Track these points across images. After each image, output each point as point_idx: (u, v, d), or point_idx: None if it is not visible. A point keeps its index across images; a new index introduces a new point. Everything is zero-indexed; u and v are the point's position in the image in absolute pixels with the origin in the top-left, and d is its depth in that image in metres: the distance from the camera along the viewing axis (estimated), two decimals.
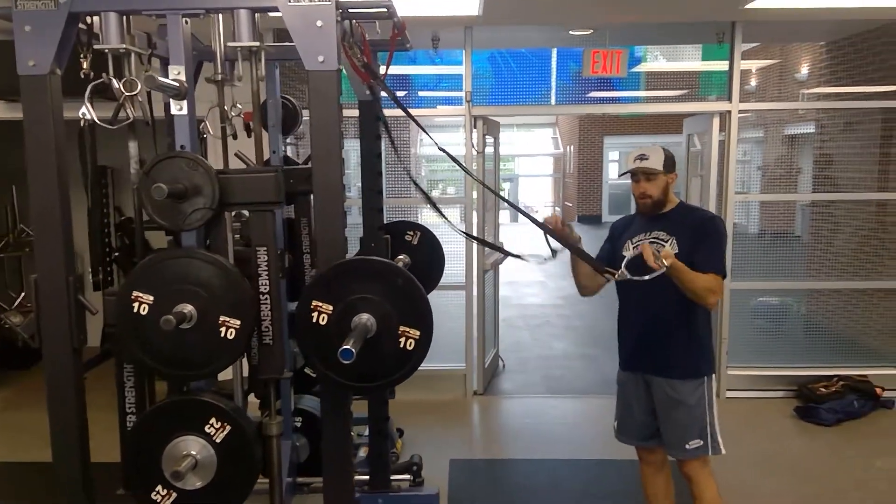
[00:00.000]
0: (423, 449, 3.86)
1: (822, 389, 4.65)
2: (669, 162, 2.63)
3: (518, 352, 6.28)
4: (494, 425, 4.68)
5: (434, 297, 5.68)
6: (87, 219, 2.26)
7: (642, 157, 2.63)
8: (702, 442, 2.56)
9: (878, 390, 4.64)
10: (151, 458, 1.92)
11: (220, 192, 1.90)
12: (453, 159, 2.66)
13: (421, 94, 6.90)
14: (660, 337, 2.60)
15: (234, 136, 2.45)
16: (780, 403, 4.70)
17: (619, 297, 2.77)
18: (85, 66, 2.07)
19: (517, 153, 23.41)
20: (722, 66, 4.78)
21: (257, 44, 1.91)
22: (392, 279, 1.85)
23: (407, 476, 3.28)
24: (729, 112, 4.68)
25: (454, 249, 4.98)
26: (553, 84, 6.99)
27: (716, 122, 4.76)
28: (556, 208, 20.54)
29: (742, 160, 6.46)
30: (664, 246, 2.54)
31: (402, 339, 1.84)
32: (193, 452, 1.91)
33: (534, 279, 10.22)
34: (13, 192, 5.89)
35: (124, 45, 1.93)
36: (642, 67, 6.02)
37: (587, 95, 5.87)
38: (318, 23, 1.84)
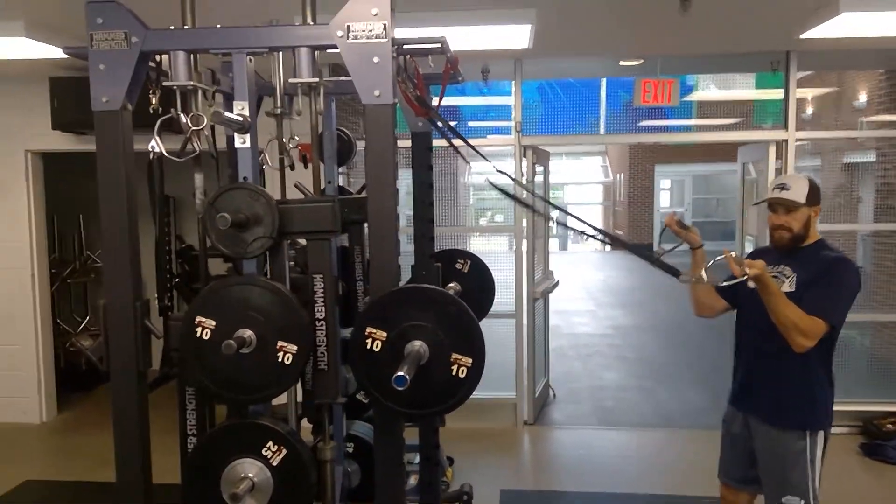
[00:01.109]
0: (473, 478, 3.84)
1: (890, 426, 4.46)
2: (814, 193, 2.43)
3: (569, 382, 6.22)
4: (545, 456, 4.62)
5: (484, 326, 5.66)
6: (155, 247, 2.36)
7: (783, 187, 2.44)
8: (801, 501, 2.39)
9: None
10: (210, 479, 1.97)
11: (279, 222, 1.97)
12: (523, 187, 2.64)
13: (470, 124, 7.00)
14: (765, 379, 2.46)
15: (292, 167, 2.54)
16: (844, 440, 4.53)
17: (736, 329, 2.65)
18: (154, 101, 2.19)
19: (566, 181, 23.37)
20: (776, 94, 4.72)
21: (317, 80, 1.98)
22: (445, 307, 1.88)
23: None
24: (786, 141, 4.60)
25: (504, 277, 5.00)
26: (602, 113, 7.01)
27: (772, 150, 4.69)
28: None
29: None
30: (783, 282, 2.40)
31: (455, 367, 1.86)
32: (251, 475, 1.96)
33: (584, 308, 10.12)
34: (80, 220, 6.16)
35: (192, 83, 2.03)
36: (694, 96, 5.99)
37: (638, 124, 5.86)
38: (375, 59, 1.90)
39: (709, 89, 6.72)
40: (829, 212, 5.79)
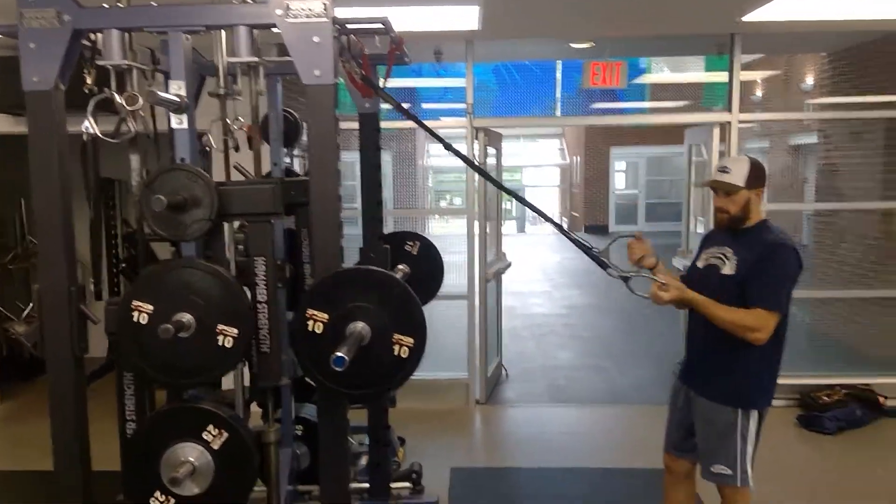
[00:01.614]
0: (425, 457, 3.88)
1: (825, 398, 4.64)
2: (755, 176, 2.44)
3: (522, 362, 6.30)
4: (496, 434, 4.69)
5: (436, 307, 5.71)
6: (90, 231, 2.31)
7: (724, 170, 2.48)
8: (730, 471, 2.46)
9: (881, 399, 4.63)
10: (150, 464, 1.95)
11: (219, 204, 1.94)
12: (474, 167, 2.66)
13: (426, 106, 6.97)
14: (706, 355, 2.52)
15: (237, 149, 2.50)
16: (782, 412, 4.69)
17: (688, 311, 2.69)
18: (89, 81, 2.13)
19: (523, 164, 23.49)
20: (724, 77, 4.80)
21: (256, 59, 1.96)
22: (386, 288, 1.89)
23: (407, 484, 3.30)
24: (729, 123, 4.70)
25: (456, 259, 5.02)
26: (558, 96, 7.05)
27: (716, 132, 4.79)
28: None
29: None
30: (725, 263, 2.46)
31: (397, 347, 1.87)
32: (191, 459, 1.95)
33: (540, 289, 10.23)
34: (21, 205, 5.97)
35: (126, 61, 1.98)
36: (645, 79, 6.07)
37: (592, 107, 5.92)
38: (315, 38, 1.88)
39: (662, 72, 6.81)
40: (776, 192, 5.96)
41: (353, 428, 3.76)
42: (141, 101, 1.99)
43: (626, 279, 2.43)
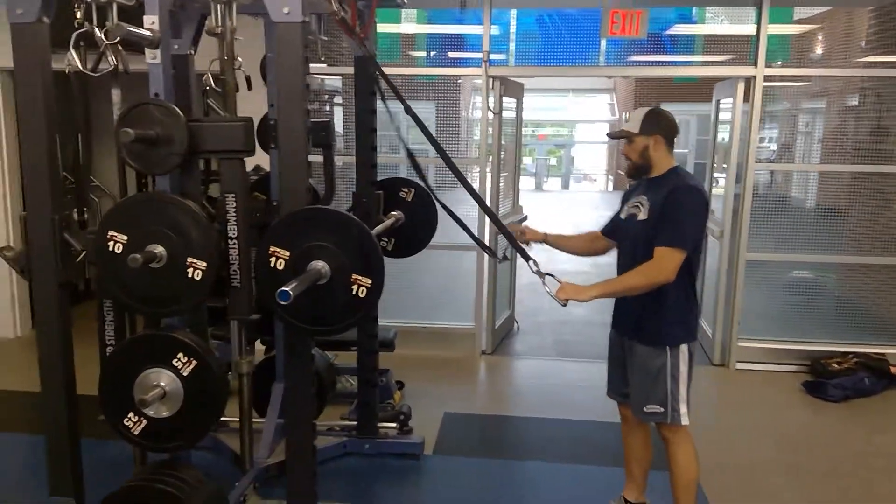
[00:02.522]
0: (422, 402, 3.97)
1: (835, 365, 4.56)
2: (650, 123, 2.53)
3: (535, 315, 6.31)
4: (498, 384, 4.75)
5: (449, 257, 5.67)
6: (71, 163, 2.38)
7: (627, 121, 2.61)
8: (661, 409, 2.54)
9: (893, 369, 4.53)
10: (124, 387, 2.06)
11: (190, 140, 1.99)
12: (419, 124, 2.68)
13: (452, 55, 6.86)
14: (630, 302, 2.59)
15: (237, 90, 2.53)
16: (790, 377, 4.64)
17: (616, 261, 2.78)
18: (78, 15, 2.17)
19: (574, 118, 23.12)
20: (780, 29, 4.58)
21: None
22: (347, 230, 1.92)
23: (394, 424, 3.39)
24: (754, 77, 4.54)
25: (471, 212, 5.02)
26: (602, 46, 6.77)
27: (741, 87, 4.63)
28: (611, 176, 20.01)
29: (803, 131, 6.27)
30: (641, 210, 2.54)
31: (355, 287, 1.92)
32: (163, 384, 2.04)
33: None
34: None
35: None
36: (675, 30, 5.85)
37: (628, 59, 5.73)
38: None
39: (712, 23, 6.51)
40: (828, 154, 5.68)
41: (352, 369, 3.88)
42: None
43: (541, 275, 2.60)
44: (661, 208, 2.45)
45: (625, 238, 2.64)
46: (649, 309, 2.53)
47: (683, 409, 2.55)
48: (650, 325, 2.55)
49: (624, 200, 2.76)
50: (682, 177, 2.54)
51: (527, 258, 2.66)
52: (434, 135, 2.77)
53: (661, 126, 2.56)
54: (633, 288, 2.46)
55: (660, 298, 2.48)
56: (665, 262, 2.40)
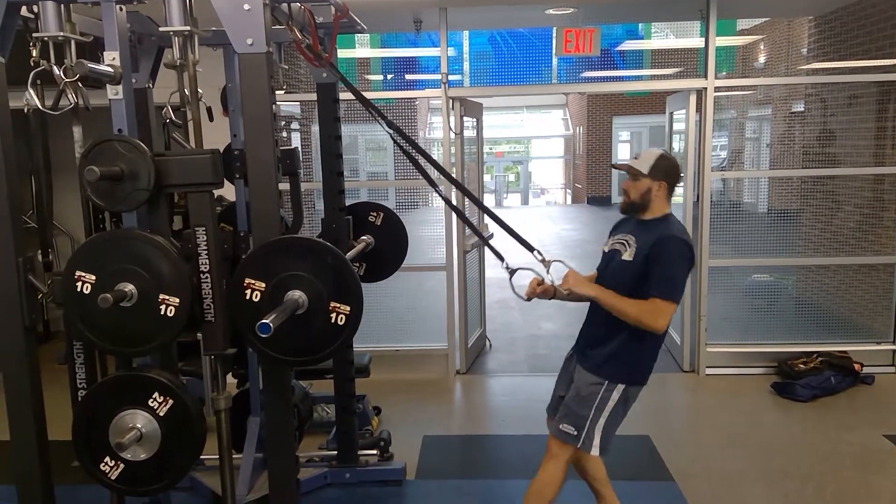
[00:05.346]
0: (400, 426, 3.93)
1: (801, 366, 4.67)
2: (660, 169, 2.51)
3: (507, 332, 6.34)
4: (473, 403, 4.74)
5: (417, 278, 5.65)
6: (34, 202, 2.33)
7: (636, 157, 2.58)
8: (575, 432, 2.52)
9: (857, 366, 4.66)
10: (99, 431, 2.00)
11: (157, 174, 1.96)
12: (409, 141, 2.70)
13: (409, 77, 6.91)
14: (592, 329, 2.61)
15: (211, 119, 2.49)
16: (759, 380, 4.73)
17: None
18: (34, 53, 2.13)
19: (528, 135, 23.41)
20: (724, 42, 4.70)
21: (187, 28, 1.96)
22: (322, 257, 1.91)
23: (374, 452, 3.35)
24: (705, 89, 4.67)
25: (436, 232, 5.04)
26: (554, 65, 6.90)
27: (693, 99, 4.76)
28: (569, 190, 20.22)
29: (751, 138, 6.46)
30: (627, 249, 2.54)
31: (334, 315, 1.90)
32: (139, 426, 1.99)
33: (533, 260, 10.21)
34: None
35: (62, 33, 1.99)
36: (626, 46, 6.00)
37: (580, 75, 5.84)
38: (246, 6, 1.88)
39: (658, 38, 6.69)
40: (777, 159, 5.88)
41: (328, 398, 3.83)
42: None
43: (511, 272, 2.66)
44: (647, 254, 2.44)
45: (604, 269, 2.64)
46: (605, 339, 2.53)
47: (597, 440, 2.51)
48: (598, 354, 2.54)
49: (611, 233, 2.74)
50: (674, 225, 2.54)
51: (502, 258, 2.72)
52: (394, 157, 2.77)
53: (669, 174, 2.55)
54: (622, 313, 2.43)
55: (621, 334, 2.48)
56: (660, 314, 2.38)
